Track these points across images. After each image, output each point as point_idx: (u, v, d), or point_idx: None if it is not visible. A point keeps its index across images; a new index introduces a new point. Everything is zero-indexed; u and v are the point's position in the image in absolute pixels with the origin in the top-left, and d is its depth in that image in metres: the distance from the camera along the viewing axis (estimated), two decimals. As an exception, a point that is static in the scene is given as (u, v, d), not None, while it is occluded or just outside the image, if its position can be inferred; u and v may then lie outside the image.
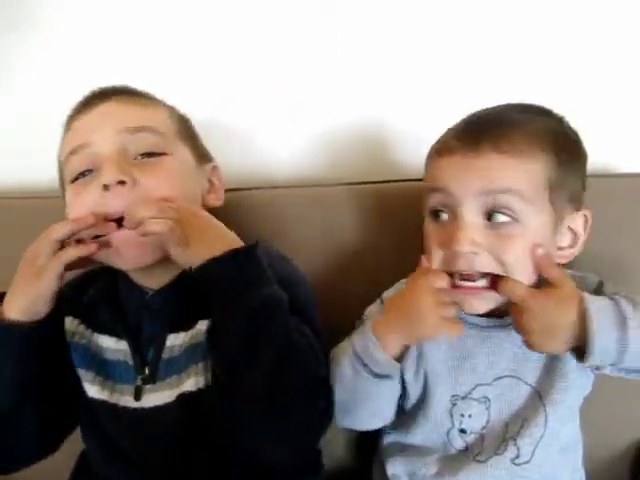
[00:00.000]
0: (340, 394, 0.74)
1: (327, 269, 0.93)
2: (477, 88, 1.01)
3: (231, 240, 0.72)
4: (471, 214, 0.70)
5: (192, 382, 0.77)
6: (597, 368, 0.74)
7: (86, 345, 0.83)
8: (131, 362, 0.80)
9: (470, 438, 0.77)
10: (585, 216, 0.75)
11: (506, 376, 0.76)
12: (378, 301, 0.83)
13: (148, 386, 0.79)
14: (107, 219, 0.74)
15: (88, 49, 1.09)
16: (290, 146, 1.07)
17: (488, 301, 0.73)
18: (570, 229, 0.75)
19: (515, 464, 0.75)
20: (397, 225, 0.91)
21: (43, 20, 1.09)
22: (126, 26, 1.08)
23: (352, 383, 0.73)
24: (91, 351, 0.82)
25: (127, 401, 0.80)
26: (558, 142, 0.73)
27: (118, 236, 0.74)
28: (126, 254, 0.76)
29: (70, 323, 0.83)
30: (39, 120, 1.05)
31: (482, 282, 0.72)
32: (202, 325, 0.78)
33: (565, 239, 0.75)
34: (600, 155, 0.86)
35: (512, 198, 0.69)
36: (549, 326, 0.68)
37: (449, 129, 0.77)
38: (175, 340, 0.79)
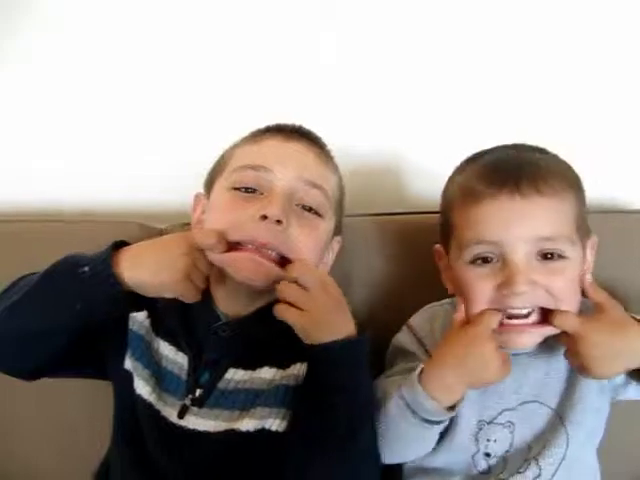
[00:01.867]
0: (386, 438, 0.75)
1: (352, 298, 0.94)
2: (491, 122, 1.07)
3: (348, 323, 0.75)
4: (524, 258, 0.73)
5: (252, 424, 0.77)
6: None
7: (148, 343, 0.83)
8: (184, 378, 0.81)
9: (493, 461, 0.80)
10: (594, 242, 0.80)
11: (530, 401, 0.80)
12: (405, 328, 0.85)
13: (194, 408, 0.79)
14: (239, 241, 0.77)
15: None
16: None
17: (536, 337, 0.76)
18: (587, 256, 0.80)
19: None
20: (416, 254, 0.93)
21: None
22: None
23: (396, 426, 0.74)
24: (151, 350, 0.83)
25: (170, 414, 0.80)
26: (575, 179, 0.79)
27: (247, 254, 0.76)
28: (242, 267, 0.76)
29: (138, 314, 0.84)
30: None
31: (533, 318, 0.74)
32: (267, 373, 0.79)
33: (586, 266, 0.80)
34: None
35: (560, 241, 0.74)
36: (611, 350, 0.72)
37: (471, 172, 0.79)
38: (234, 375, 0.80)
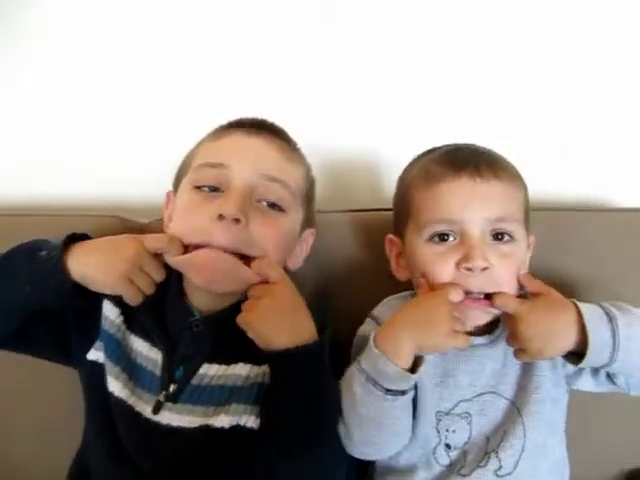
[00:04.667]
0: (355, 423, 0.75)
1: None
2: (472, 121, 1.08)
3: (306, 330, 0.75)
4: (480, 235, 0.77)
5: (226, 420, 0.78)
6: (595, 370, 0.80)
7: (119, 340, 0.84)
8: (159, 374, 0.81)
9: (454, 454, 0.80)
10: (532, 240, 0.84)
11: (486, 392, 0.81)
12: (368, 319, 0.86)
13: (169, 404, 0.80)
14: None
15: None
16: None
17: (487, 315, 0.79)
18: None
19: (498, 476, 0.79)
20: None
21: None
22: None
23: (366, 407, 0.74)
24: (122, 348, 0.83)
25: (144, 409, 0.81)
26: (521, 177, 0.83)
27: (202, 254, 0.76)
28: (205, 275, 0.77)
29: (110, 310, 0.84)
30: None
31: (481, 296, 0.77)
32: (242, 370, 0.80)
33: (527, 259, 0.83)
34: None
35: (513, 223, 0.79)
36: (545, 330, 0.74)
37: (432, 157, 0.83)
38: (209, 370, 0.81)
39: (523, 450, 0.79)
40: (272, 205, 0.81)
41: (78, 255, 0.76)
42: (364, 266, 0.96)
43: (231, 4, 1.10)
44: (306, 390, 0.73)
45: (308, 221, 0.89)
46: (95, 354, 0.84)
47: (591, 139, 1.08)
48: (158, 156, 1.09)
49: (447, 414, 0.81)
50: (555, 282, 0.81)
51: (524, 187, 0.83)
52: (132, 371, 0.83)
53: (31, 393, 1.00)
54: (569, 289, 0.90)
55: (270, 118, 0.90)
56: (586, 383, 0.82)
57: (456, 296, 0.75)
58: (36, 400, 1.00)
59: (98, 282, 0.76)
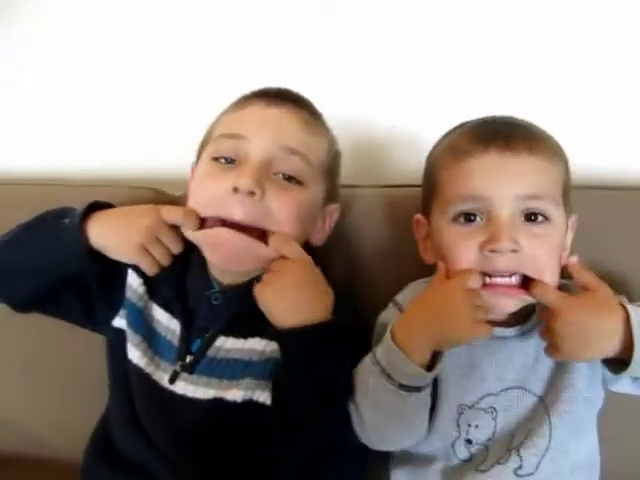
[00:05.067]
0: (368, 413, 0.73)
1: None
2: (486, 98, 1.02)
3: (321, 309, 0.74)
4: (510, 215, 0.70)
5: (239, 394, 0.77)
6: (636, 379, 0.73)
7: (141, 309, 0.85)
8: (176, 345, 0.82)
9: (475, 449, 0.76)
10: (574, 221, 0.77)
11: (514, 387, 0.76)
12: (391, 305, 0.82)
13: (184, 374, 0.80)
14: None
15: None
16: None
17: (517, 302, 0.72)
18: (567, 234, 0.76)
19: (518, 475, 0.74)
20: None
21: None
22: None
23: (378, 399, 0.71)
24: (144, 316, 0.84)
25: (161, 377, 0.82)
26: (564, 154, 0.77)
27: (220, 233, 0.75)
28: (221, 254, 0.77)
29: (133, 279, 0.85)
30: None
31: (515, 279, 0.71)
32: (258, 344, 0.79)
33: (568, 242, 0.76)
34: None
35: (546, 201, 0.71)
36: (585, 332, 0.67)
37: (461, 132, 0.77)
38: (224, 343, 0.80)
39: (547, 450, 0.74)
40: (290, 178, 0.79)
41: (98, 223, 0.78)
42: (393, 245, 0.92)
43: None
44: (315, 369, 0.72)
45: (331, 196, 0.86)
46: (120, 322, 0.86)
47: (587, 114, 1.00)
48: (192, 126, 1.05)
49: (470, 408, 0.76)
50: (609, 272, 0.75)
51: (564, 163, 0.76)
52: (152, 340, 0.84)
53: (58, 357, 1.02)
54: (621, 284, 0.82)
55: (301, 90, 0.87)
56: (624, 386, 0.75)
57: (474, 282, 0.69)
58: (60, 365, 1.02)
59: (114, 250, 0.78)
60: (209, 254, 0.79)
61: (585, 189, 0.86)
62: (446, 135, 0.81)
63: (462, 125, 0.80)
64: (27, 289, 0.84)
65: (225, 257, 0.77)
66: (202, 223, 0.77)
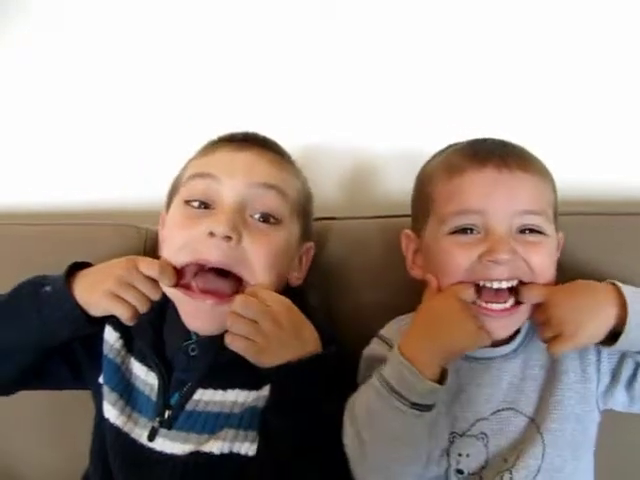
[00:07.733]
0: (375, 444, 0.69)
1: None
2: (512, 123, 0.99)
3: (307, 346, 0.72)
4: (507, 230, 0.72)
5: (217, 446, 0.75)
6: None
7: (118, 365, 0.82)
8: (154, 400, 0.80)
9: (468, 477, 0.73)
10: (561, 238, 0.78)
11: (504, 409, 0.74)
12: (376, 339, 0.79)
13: (163, 430, 0.78)
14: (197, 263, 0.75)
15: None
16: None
17: (510, 325, 0.73)
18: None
19: None
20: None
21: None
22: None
23: (386, 424, 0.68)
24: (121, 372, 0.82)
25: (140, 435, 0.79)
26: (551, 176, 0.78)
27: (204, 307, 0.75)
28: (197, 318, 0.77)
29: (110, 334, 0.83)
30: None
31: (510, 302, 0.72)
32: (238, 396, 0.78)
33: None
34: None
35: (541, 218, 0.73)
36: (579, 310, 0.69)
37: (454, 150, 0.79)
38: (203, 395, 0.78)
39: (538, 471, 0.72)
40: (266, 218, 0.78)
41: (78, 282, 0.76)
42: (379, 275, 0.91)
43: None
44: (309, 404, 0.70)
45: (306, 234, 0.86)
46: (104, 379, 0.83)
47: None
48: (175, 162, 1.07)
49: (462, 436, 0.74)
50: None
51: (553, 185, 0.78)
52: (130, 395, 0.82)
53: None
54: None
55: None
56: (620, 399, 0.75)
57: (468, 295, 0.70)
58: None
59: (91, 303, 0.75)
60: (188, 319, 0.78)
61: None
62: (437, 154, 0.82)
63: (454, 145, 0.81)
64: (9, 370, 0.79)
65: (205, 325, 0.77)
66: (179, 274, 0.76)
